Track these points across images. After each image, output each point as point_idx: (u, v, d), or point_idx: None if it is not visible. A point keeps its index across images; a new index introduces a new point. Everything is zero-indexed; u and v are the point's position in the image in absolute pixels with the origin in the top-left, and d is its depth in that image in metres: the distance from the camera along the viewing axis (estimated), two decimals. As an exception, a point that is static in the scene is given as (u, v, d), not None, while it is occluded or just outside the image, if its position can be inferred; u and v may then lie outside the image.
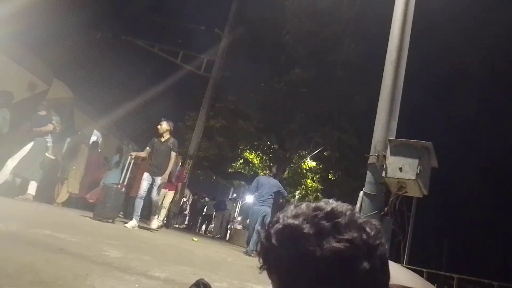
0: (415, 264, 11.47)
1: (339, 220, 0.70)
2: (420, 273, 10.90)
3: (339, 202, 0.78)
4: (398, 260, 4.12)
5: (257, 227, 6.40)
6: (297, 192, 18.48)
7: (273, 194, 6.98)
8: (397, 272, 0.93)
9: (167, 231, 8.46)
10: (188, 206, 18.09)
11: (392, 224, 3.61)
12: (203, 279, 0.93)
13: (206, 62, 13.31)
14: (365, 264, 0.66)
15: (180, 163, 10.53)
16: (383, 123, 4.03)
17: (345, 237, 0.67)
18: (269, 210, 6.81)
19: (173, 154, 6.39)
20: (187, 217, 16.70)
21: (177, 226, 13.89)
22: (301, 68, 13.69)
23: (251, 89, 14.85)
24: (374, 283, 0.67)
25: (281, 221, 0.74)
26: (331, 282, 0.60)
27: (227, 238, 14.95)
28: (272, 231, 0.75)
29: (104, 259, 2.43)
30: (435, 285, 10.60)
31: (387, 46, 4.42)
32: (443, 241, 23.00)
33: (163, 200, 7.13)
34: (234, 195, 24.45)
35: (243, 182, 19.34)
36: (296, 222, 0.71)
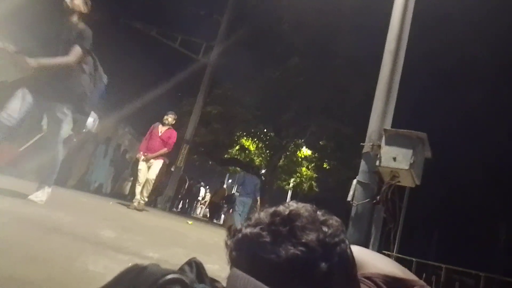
0: (404, 253, 11.63)
1: (296, 223, 0.70)
2: (409, 263, 11.07)
3: (299, 204, 0.77)
4: (387, 249, 4.19)
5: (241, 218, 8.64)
6: (292, 180, 18.59)
7: (254, 189, 9.15)
8: (378, 261, 0.94)
9: (162, 213, 8.51)
10: (184, 191, 18.18)
11: (383, 213, 3.66)
12: (195, 258, 0.95)
13: (204, 48, 13.20)
14: (323, 265, 0.67)
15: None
16: (379, 113, 4.05)
17: (300, 241, 0.68)
18: (251, 201, 9.10)
19: None
20: (181, 201, 16.79)
21: (174, 210, 13.97)
22: (298, 57, 13.63)
23: (248, 77, 14.78)
24: (335, 281, 0.68)
25: (242, 231, 0.75)
26: (291, 286, 0.61)
27: (222, 222, 15.13)
28: (233, 242, 0.75)
29: (97, 239, 2.45)
30: (424, 274, 10.78)
31: (386, 36, 4.41)
32: (433, 231, 23.35)
33: (148, 172, 6.31)
34: (230, 180, 24.60)
35: (239, 169, 19.41)
36: (254, 231, 0.71)
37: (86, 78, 3.32)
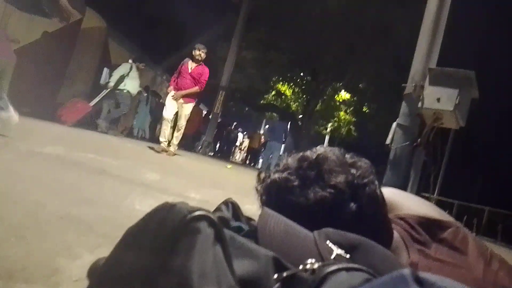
0: (447, 196, 11.44)
1: (323, 167, 0.71)
2: (451, 205, 10.93)
3: (327, 148, 0.77)
4: (427, 191, 4.13)
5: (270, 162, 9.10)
6: (329, 124, 18.37)
7: (283, 134, 9.50)
8: (413, 202, 0.93)
9: (202, 158, 8.83)
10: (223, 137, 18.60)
11: (424, 156, 3.56)
12: (231, 198, 0.99)
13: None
14: (352, 205, 0.68)
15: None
16: (424, 51, 3.78)
17: (329, 183, 0.69)
18: (280, 146, 9.58)
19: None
20: (221, 146, 17.24)
21: (213, 154, 14.44)
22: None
23: (285, 18, 14.09)
24: (364, 220, 0.69)
25: (270, 176, 0.76)
26: (322, 226, 0.62)
27: (259, 166, 15.52)
28: (263, 187, 0.77)
29: (143, 181, 2.61)
30: (465, 217, 10.64)
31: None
32: (477, 174, 22.59)
33: (176, 116, 5.68)
34: (267, 126, 24.67)
35: (275, 114, 19.37)
36: (283, 175, 0.73)
37: None
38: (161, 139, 5.69)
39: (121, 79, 7.28)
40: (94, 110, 7.56)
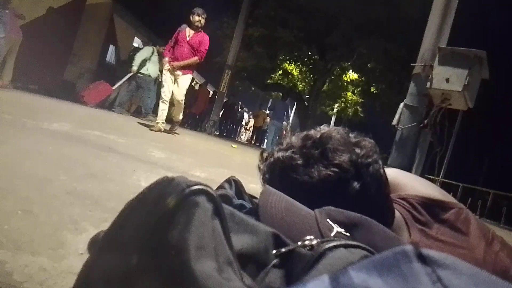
0: (452, 178, 11.41)
1: (327, 146, 0.71)
2: (456, 187, 10.91)
3: (331, 127, 0.77)
4: (432, 173, 4.12)
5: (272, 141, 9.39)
6: (336, 105, 18.22)
7: (284, 113, 9.66)
8: (417, 183, 0.93)
9: (208, 137, 8.86)
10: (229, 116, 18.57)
11: (430, 137, 3.53)
12: (234, 176, 0.99)
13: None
14: (355, 184, 0.68)
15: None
16: (435, 30, 3.69)
17: (333, 162, 0.69)
18: (281, 125, 9.68)
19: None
20: (228, 126, 17.24)
21: (218, 134, 14.46)
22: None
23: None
24: (368, 198, 0.69)
25: (274, 155, 0.76)
26: (325, 204, 0.62)
27: (265, 146, 15.54)
28: (266, 165, 0.77)
29: (149, 159, 2.63)
30: (469, 199, 10.64)
31: None
32: (484, 157, 22.45)
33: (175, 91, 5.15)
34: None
35: (281, 94, 19.23)
36: (286, 154, 0.73)
37: None
38: (158, 119, 5.18)
39: (144, 62, 7.42)
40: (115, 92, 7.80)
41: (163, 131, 5.13)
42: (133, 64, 7.37)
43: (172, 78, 5.18)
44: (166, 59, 5.16)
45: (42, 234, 0.99)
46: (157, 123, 5.14)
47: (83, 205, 1.28)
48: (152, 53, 7.53)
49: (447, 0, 3.71)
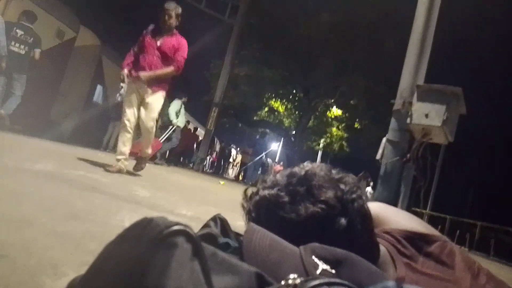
0: (439, 211, 11.47)
1: (312, 182, 0.72)
2: (443, 220, 10.94)
3: (314, 164, 0.79)
4: (418, 205, 4.15)
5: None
6: (322, 140, 18.47)
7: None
8: (401, 217, 0.94)
9: (195, 174, 8.79)
10: (215, 153, 18.56)
11: (414, 171, 3.59)
12: (220, 214, 0.98)
13: (230, 8, 12.86)
14: (342, 220, 0.69)
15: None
16: (412, 68, 3.86)
17: (319, 199, 0.69)
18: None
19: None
20: (215, 163, 17.19)
21: (206, 170, 14.40)
22: (328, 12, 13.01)
23: (277, 36, 14.35)
24: (354, 235, 0.70)
25: (259, 193, 0.77)
26: (312, 241, 0.62)
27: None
28: (252, 204, 0.78)
29: (133, 198, 2.59)
30: (458, 231, 10.64)
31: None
32: (469, 189, 22.77)
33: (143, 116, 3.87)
34: (264, 138, 24.83)
35: (268, 130, 19.43)
36: (272, 192, 0.73)
37: None
38: (118, 155, 3.80)
39: (176, 115, 8.42)
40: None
41: (126, 172, 3.83)
42: (172, 119, 8.36)
43: (137, 98, 3.81)
44: (125, 71, 3.81)
45: (19, 279, 0.94)
46: (118, 160, 3.76)
47: (63, 248, 1.24)
48: (181, 105, 8.53)
49: (423, 39, 3.92)
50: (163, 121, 8.37)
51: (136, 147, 7.40)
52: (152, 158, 7.81)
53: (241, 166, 17.16)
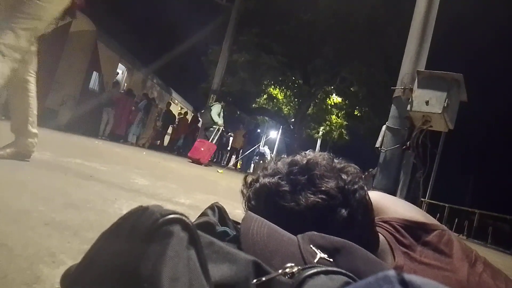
0: (438, 199, 11.54)
1: (314, 172, 0.71)
2: (442, 208, 11.02)
3: (316, 153, 0.77)
4: (417, 194, 4.17)
5: None
6: (321, 128, 18.44)
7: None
8: (399, 206, 0.93)
9: (191, 162, 8.80)
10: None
11: (413, 158, 3.59)
12: (217, 202, 0.98)
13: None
14: (343, 211, 0.68)
15: None
16: (413, 54, 3.82)
17: (320, 188, 0.69)
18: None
19: None
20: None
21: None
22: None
23: (276, 21, 14.14)
24: (355, 225, 0.69)
25: (259, 180, 0.76)
26: (312, 231, 0.62)
27: (251, 170, 15.41)
28: (251, 192, 0.77)
29: (132, 186, 2.58)
30: (456, 219, 10.73)
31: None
32: (469, 177, 22.86)
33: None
34: (258, 130, 24.70)
35: (267, 118, 19.38)
36: (273, 180, 0.72)
37: None
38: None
39: (218, 116, 9.35)
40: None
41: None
42: (216, 121, 9.23)
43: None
44: None
45: (17, 268, 0.94)
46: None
47: (61, 236, 1.24)
48: (221, 109, 9.45)
49: (424, 25, 3.87)
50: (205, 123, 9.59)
51: (197, 153, 7.80)
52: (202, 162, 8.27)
53: (231, 151, 15.76)
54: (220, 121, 9.35)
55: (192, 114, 13.96)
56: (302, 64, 14.81)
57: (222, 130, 9.66)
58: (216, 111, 9.38)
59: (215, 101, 9.83)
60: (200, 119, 13.13)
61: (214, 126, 9.31)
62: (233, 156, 15.12)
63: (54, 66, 8.29)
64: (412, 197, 3.56)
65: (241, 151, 14.29)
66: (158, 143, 13.05)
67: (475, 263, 0.79)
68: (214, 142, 9.10)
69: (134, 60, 13.04)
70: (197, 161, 8.07)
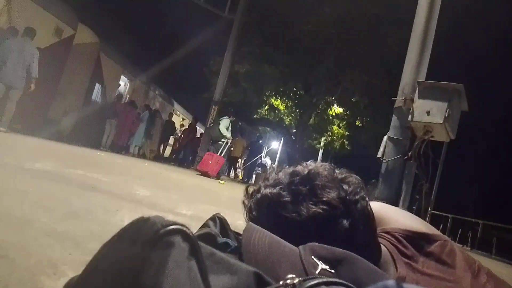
0: (441, 209, 11.43)
1: (315, 182, 0.71)
2: (445, 219, 10.91)
3: (318, 163, 0.77)
4: (420, 205, 4.14)
5: None
6: (323, 138, 18.42)
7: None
8: (401, 216, 0.93)
9: (195, 173, 8.79)
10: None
11: (415, 169, 3.58)
12: (219, 213, 0.98)
13: (230, 3, 12.78)
14: (344, 222, 0.68)
15: None
16: (413, 64, 3.84)
17: (321, 199, 0.69)
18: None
19: None
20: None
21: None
22: (330, 7, 12.90)
23: (278, 32, 14.24)
24: (357, 235, 0.69)
25: (260, 191, 0.76)
26: (313, 241, 0.62)
27: (253, 181, 15.35)
28: (253, 202, 0.77)
29: (133, 197, 2.58)
30: (460, 230, 10.61)
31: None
32: (472, 187, 22.72)
33: None
34: (260, 141, 24.66)
35: (268, 128, 19.39)
36: (274, 191, 0.73)
37: None
38: None
39: (227, 130, 9.52)
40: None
41: None
42: (224, 134, 9.38)
43: None
44: None
45: (18, 279, 0.94)
46: None
47: (62, 247, 1.23)
48: (229, 123, 9.62)
49: (424, 35, 3.90)
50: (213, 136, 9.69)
51: (205, 166, 7.99)
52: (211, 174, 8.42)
53: (231, 161, 14.36)
54: (228, 134, 9.56)
55: (190, 122, 13.90)
56: (303, 75, 14.87)
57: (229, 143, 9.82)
58: (224, 124, 9.57)
59: (224, 115, 10.02)
60: (197, 127, 13.22)
61: (222, 140, 9.51)
62: (232, 167, 14.87)
63: (57, 77, 8.37)
64: (418, 208, 3.54)
65: (239, 160, 14.22)
66: (160, 153, 13.04)
67: (478, 273, 0.78)
68: (222, 155, 9.24)
69: (137, 71, 13.15)
70: (205, 174, 8.30)
